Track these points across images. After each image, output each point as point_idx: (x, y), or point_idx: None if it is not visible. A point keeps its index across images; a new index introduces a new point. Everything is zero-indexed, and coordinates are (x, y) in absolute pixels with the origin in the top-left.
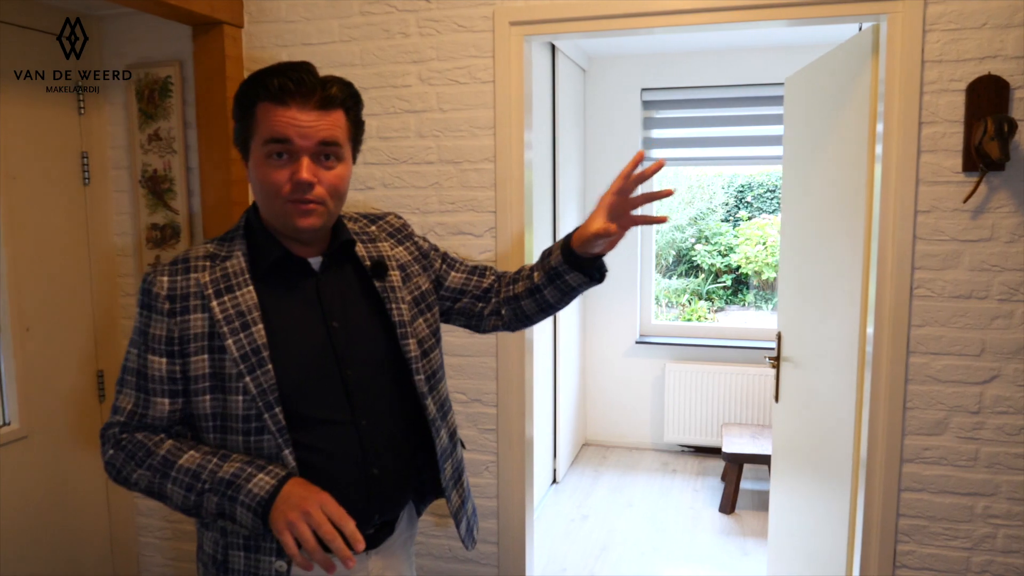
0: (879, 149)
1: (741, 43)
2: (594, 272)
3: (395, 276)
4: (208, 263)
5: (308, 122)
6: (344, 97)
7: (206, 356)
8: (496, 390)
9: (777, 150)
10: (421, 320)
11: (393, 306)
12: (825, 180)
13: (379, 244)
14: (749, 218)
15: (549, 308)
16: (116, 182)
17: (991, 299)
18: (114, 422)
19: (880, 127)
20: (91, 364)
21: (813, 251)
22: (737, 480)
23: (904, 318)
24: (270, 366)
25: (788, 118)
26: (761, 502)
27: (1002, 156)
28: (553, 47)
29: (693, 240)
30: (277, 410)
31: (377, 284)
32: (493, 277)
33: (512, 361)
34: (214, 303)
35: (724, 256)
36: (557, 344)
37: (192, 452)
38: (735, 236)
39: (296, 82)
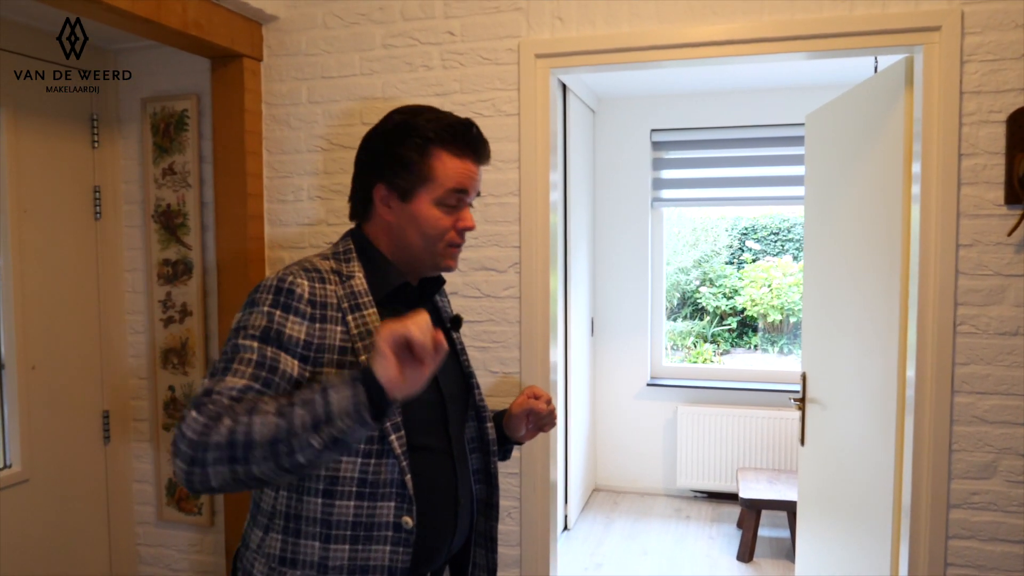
0: (916, 189)
1: (751, 84)
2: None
3: (460, 335)
4: (336, 278)
5: (477, 176)
6: (489, 155)
7: (335, 370)
8: None
9: (787, 190)
10: None
11: (465, 359)
12: (853, 216)
13: (443, 298)
14: (753, 260)
15: None
16: (128, 217)
17: None
18: (213, 390)
19: (916, 167)
20: (97, 404)
21: (841, 290)
22: (755, 527)
23: (948, 356)
24: None
25: (810, 155)
26: (780, 550)
27: None
28: (564, 88)
29: (698, 282)
30: (401, 433)
31: (454, 335)
32: None
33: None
34: (350, 317)
35: (729, 298)
36: (568, 387)
37: (271, 396)
38: (740, 278)
39: (476, 139)
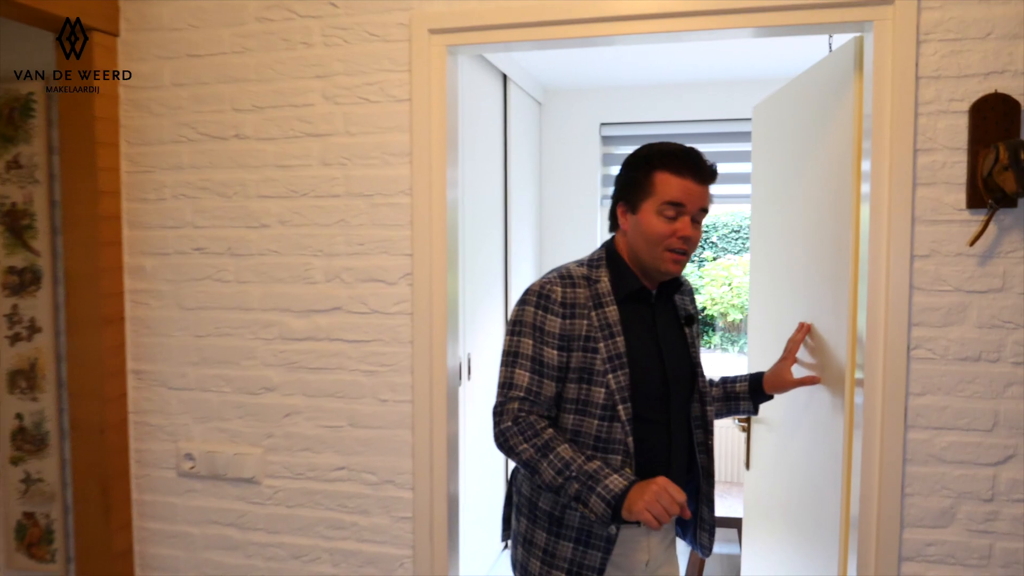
0: (866, 188)
1: (704, 77)
2: (757, 408)
3: (693, 329)
4: (585, 283)
5: (697, 192)
6: (715, 176)
7: (581, 353)
8: (412, 469)
9: (744, 188)
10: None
11: (693, 351)
12: (801, 220)
13: (684, 299)
14: (714, 259)
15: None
16: None
17: (1004, 362)
18: (514, 396)
19: (866, 164)
20: None
21: (787, 301)
22: None
23: (900, 385)
24: (628, 369)
25: (757, 150)
26: (731, 567)
27: (1019, 190)
28: (505, 78)
29: None
30: (628, 404)
31: (686, 330)
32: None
33: (432, 434)
34: (593, 314)
35: None
36: None
37: (566, 445)
38: (700, 277)
39: (694, 162)
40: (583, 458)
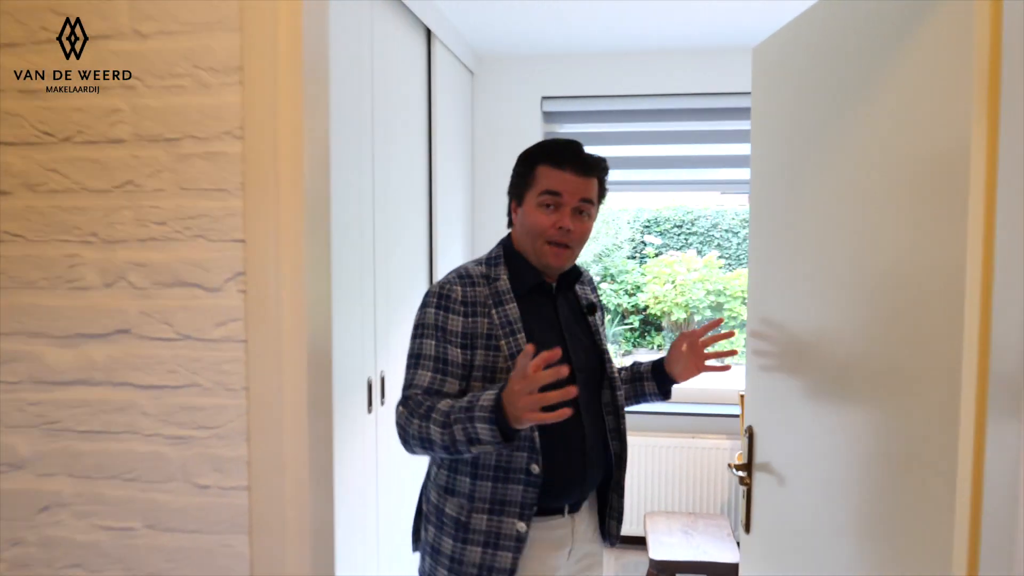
0: (1010, 155)
1: (665, 44)
2: (667, 392)
3: (596, 317)
4: (484, 281)
5: (576, 184)
6: (599, 168)
7: (483, 352)
8: None
9: (705, 174)
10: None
11: (599, 338)
12: (846, 198)
13: (585, 288)
14: (656, 255)
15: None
16: None
17: None
18: (411, 395)
19: (1012, 104)
20: None
21: (816, 309)
22: None
23: None
24: None
25: (760, 108)
26: None
27: None
28: (429, 34)
29: (598, 278)
30: None
31: (589, 318)
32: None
33: (286, 543)
34: (493, 312)
35: (631, 296)
36: None
37: (448, 400)
38: (642, 274)
39: (571, 152)
40: (459, 400)
